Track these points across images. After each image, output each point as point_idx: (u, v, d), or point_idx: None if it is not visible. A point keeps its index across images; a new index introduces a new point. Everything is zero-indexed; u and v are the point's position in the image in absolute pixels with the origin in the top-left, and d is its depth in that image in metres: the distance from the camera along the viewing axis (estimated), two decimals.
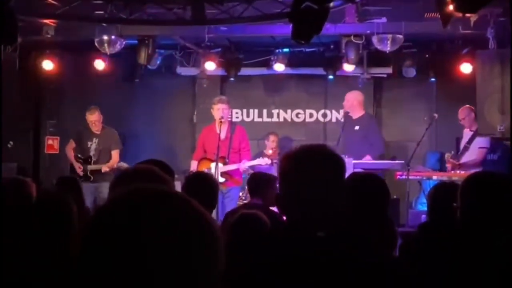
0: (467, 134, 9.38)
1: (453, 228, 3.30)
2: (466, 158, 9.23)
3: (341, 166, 2.50)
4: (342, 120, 10.40)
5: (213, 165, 8.77)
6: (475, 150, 9.18)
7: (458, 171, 8.90)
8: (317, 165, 2.43)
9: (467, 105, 9.29)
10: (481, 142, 9.15)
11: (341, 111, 11.15)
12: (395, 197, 9.88)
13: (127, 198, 1.21)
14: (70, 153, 9.92)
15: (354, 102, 9.82)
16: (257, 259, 2.40)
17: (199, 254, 1.18)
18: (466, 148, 9.29)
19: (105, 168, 9.66)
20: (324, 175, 2.42)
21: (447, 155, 9.42)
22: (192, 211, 1.22)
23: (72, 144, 10.00)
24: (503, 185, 3.02)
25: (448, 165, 9.24)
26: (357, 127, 9.63)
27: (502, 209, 2.94)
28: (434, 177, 8.91)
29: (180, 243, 1.16)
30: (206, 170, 8.73)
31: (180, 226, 1.17)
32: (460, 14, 6.33)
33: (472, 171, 8.50)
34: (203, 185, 4.81)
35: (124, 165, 9.71)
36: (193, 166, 9.19)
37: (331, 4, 6.19)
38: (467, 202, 3.11)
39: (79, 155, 9.85)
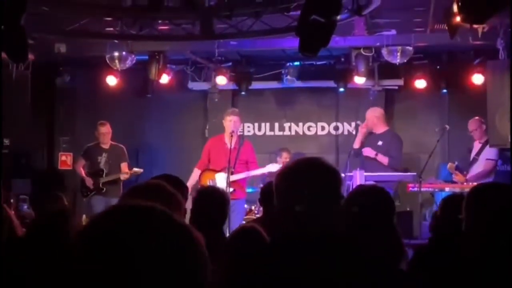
0: (476, 146, 9.36)
1: (459, 241, 3.28)
2: (475, 169, 9.19)
3: (336, 179, 2.50)
4: (354, 132, 10.37)
5: (217, 175, 8.76)
6: (483, 162, 9.15)
7: (470, 183, 8.85)
8: (310, 178, 2.43)
9: (477, 117, 9.29)
10: (489, 153, 9.15)
11: (353, 124, 11.15)
12: (408, 209, 9.85)
13: (109, 215, 1.24)
14: (80, 170, 10.00)
15: (374, 120, 9.76)
16: (253, 275, 2.40)
17: (180, 265, 1.19)
18: (474, 160, 9.26)
19: (124, 176, 9.79)
20: (317, 188, 2.41)
21: (449, 165, 9.40)
22: (172, 225, 1.23)
23: (81, 162, 10.09)
24: (507, 196, 3.00)
25: (456, 177, 9.21)
26: (380, 142, 9.54)
27: (506, 220, 2.91)
28: (447, 189, 8.86)
29: (160, 256, 1.17)
30: (210, 182, 8.73)
31: (160, 239, 1.19)
32: (468, 25, 6.31)
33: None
34: (214, 200, 4.80)
35: (140, 170, 9.87)
36: (195, 174, 9.11)
37: (338, 17, 6.20)
38: (471, 214, 3.10)
39: (89, 171, 9.94)
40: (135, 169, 9.96)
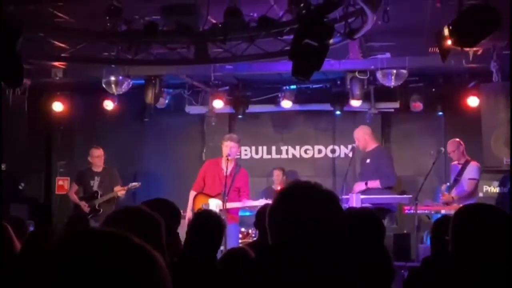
0: (455, 167, 9.43)
1: (448, 262, 3.30)
2: (457, 190, 9.28)
3: (331, 203, 2.42)
4: (351, 155, 10.37)
5: (211, 201, 8.78)
6: (465, 182, 9.21)
7: (461, 204, 8.87)
8: (303, 203, 2.38)
9: (456, 139, 9.45)
10: (470, 173, 9.22)
11: (350, 146, 11.16)
12: (405, 231, 9.83)
13: (67, 241, 1.26)
14: (73, 196, 10.00)
15: (366, 138, 9.77)
16: None
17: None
18: (457, 181, 9.33)
19: (121, 193, 9.83)
20: (311, 213, 2.36)
21: (443, 187, 9.45)
22: (133, 250, 1.25)
23: (74, 187, 10.10)
24: (487, 217, 3.03)
25: (443, 198, 9.28)
26: (368, 160, 9.58)
27: (489, 241, 2.94)
28: (443, 211, 8.85)
29: (117, 280, 1.19)
30: (203, 206, 8.75)
31: (116, 263, 1.21)
32: (459, 48, 6.36)
33: (466, 203, 8.61)
34: (209, 225, 4.81)
35: (137, 184, 9.90)
36: (191, 197, 9.13)
37: (331, 41, 6.25)
38: (456, 236, 3.13)
39: (82, 195, 9.94)
40: (132, 184, 10.00)
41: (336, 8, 6.21)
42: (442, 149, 9.37)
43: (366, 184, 9.29)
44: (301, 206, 2.37)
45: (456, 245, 3.09)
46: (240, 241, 8.93)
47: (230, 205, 8.73)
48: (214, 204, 8.75)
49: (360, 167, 9.88)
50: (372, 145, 9.77)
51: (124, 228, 1.46)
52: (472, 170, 9.25)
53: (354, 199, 8.77)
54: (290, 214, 2.38)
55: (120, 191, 9.89)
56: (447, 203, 9.18)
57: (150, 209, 3.03)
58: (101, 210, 9.79)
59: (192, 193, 9.13)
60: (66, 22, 7.39)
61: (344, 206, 8.86)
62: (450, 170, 9.89)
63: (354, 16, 6.47)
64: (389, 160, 9.77)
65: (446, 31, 6.02)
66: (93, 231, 1.30)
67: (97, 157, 9.98)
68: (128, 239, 1.26)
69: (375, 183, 9.27)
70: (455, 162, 9.52)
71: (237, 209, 9.05)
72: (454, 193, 9.31)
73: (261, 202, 9.00)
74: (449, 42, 6.05)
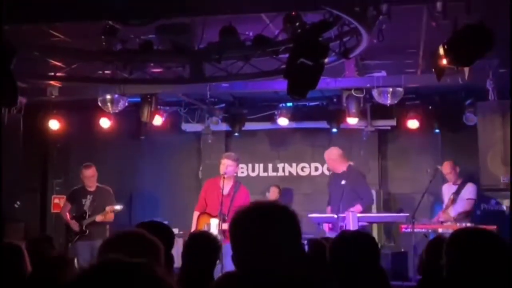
0: (449, 187, 9.48)
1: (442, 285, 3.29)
2: (456, 209, 9.26)
3: (288, 224, 2.35)
4: (329, 175, 10.38)
5: (212, 220, 8.75)
6: (463, 202, 9.21)
7: (463, 224, 8.85)
8: (259, 225, 2.32)
9: (450, 161, 9.57)
10: (468, 193, 9.25)
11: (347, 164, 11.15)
12: (402, 250, 9.80)
13: (95, 272, 1.29)
14: (66, 215, 9.75)
15: (331, 163, 9.72)
16: None
17: None
18: (453, 200, 9.32)
19: (99, 217, 9.47)
20: (266, 235, 2.30)
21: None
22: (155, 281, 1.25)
23: (67, 206, 9.85)
24: (481, 241, 3.02)
25: (441, 218, 9.27)
26: (343, 181, 9.34)
27: (481, 266, 2.93)
28: (440, 230, 8.82)
29: None
30: (205, 226, 8.74)
31: None
32: (455, 68, 6.36)
33: (464, 224, 8.61)
34: (203, 246, 4.80)
35: (118, 207, 9.56)
36: (194, 217, 9.12)
37: (326, 60, 6.24)
38: (450, 260, 3.12)
39: (74, 214, 9.75)
40: (114, 208, 9.58)
41: (331, 28, 6.21)
42: (439, 167, 9.36)
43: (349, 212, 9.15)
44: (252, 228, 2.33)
45: (450, 269, 3.07)
46: None
47: (226, 225, 8.70)
48: (215, 224, 8.75)
49: (332, 187, 9.72)
50: (343, 166, 9.67)
51: (124, 253, 1.47)
52: (471, 190, 9.32)
53: (351, 218, 8.72)
54: (243, 236, 2.35)
55: (99, 217, 9.47)
56: (442, 222, 9.18)
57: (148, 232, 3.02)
58: (87, 231, 9.48)
59: (196, 214, 9.14)
60: (62, 41, 7.39)
61: (341, 224, 8.83)
62: (441, 192, 9.88)
63: (349, 35, 6.47)
64: (363, 180, 9.73)
65: (441, 50, 6.02)
66: (119, 262, 1.32)
67: (88, 177, 9.70)
68: (152, 271, 1.29)
69: (358, 208, 9.13)
70: (449, 183, 9.53)
71: None
72: (452, 212, 9.27)
73: None
74: (444, 61, 6.05)
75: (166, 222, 10.75)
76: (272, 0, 5.54)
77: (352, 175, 9.57)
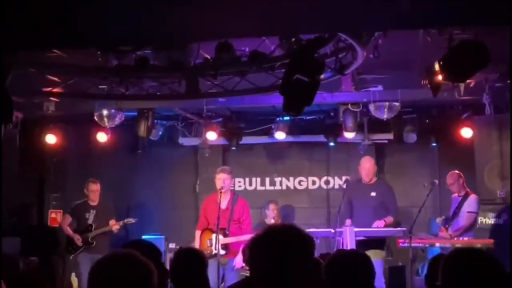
0: (455, 199, 9.37)
1: None
2: (457, 223, 9.19)
3: (305, 247, 2.51)
4: (345, 186, 10.29)
5: (214, 236, 8.74)
6: (464, 215, 9.15)
7: (461, 238, 8.82)
8: (277, 249, 2.46)
9: (456, 171, 9.36)
10: (469, 206, 9.15)
11: (344, 178, 11.14)
12: (400, 264, 9.76)
13: None
14: (66, 227, 9.94)
15: (372, 168, 9.65)
16: None
17: None
18: (456, 214, 9.26)
19: (116, 227, 9.84)
20: (284, 259, 2.44)
21: (438, 220, 9.40)
22: None
23: (68, 219, 10.04)
24: (476, 264, 3.01)
25: (441, 233, 9.21)
26: (373, 193, 9.40)
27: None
28: (437, 244, 8.78)
29: None
30: (208, 241, 8.75)
31: None
32: (450, 83, 6.37)
33: (465, 238, 8.55)
34: (189, 262, 4.79)
35: (132, 220, 9.98)
36: (196, 237, 9.17)
37: (322, 76, 6.25)
38: (446, 281, 3.11)
39: (76, 228, 9.91)
40: (127, 219, 10.02)
41: (326, 44, 6.22)
42: (436, 181, 9.32)
43: (384, 221, 9.17)
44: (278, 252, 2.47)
45: None
46: (242, 273, 8.85)
47: (223, 240, 8.69)
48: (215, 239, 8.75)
49: (357, 199, 9.61)
50: (374, 177, 9.70)
51: (116, 274, 1.45)
52: (471, 203, 9.14)
53: (348, 232, 8.70)
54: (267, 260, 2.47)
55: (114, 225, 9.86)
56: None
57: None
58: (94, 243, 9.79)
59: (198, 233, 9.14)
60: (58, 56, 7.38)
61: (338, 239, 8.80)
62: (449, 202, 9.77)
63: (344, 51, 6.47)
64: (394, 195, 9.62)
65: (437, 67, 6.02)
66: None
67: (94, 191, 9.99)
68: None
69: (389, 220, 9.19)
70: (456, 194, 9.43)
71: (238, 242, 8.97)
72: (451, 229, 9.22)
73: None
74: (440, 77, 6.05)
75: (162, 237, 10.82)
76: (262, 25, 5.49)
77: (384, 189, 9.57)
